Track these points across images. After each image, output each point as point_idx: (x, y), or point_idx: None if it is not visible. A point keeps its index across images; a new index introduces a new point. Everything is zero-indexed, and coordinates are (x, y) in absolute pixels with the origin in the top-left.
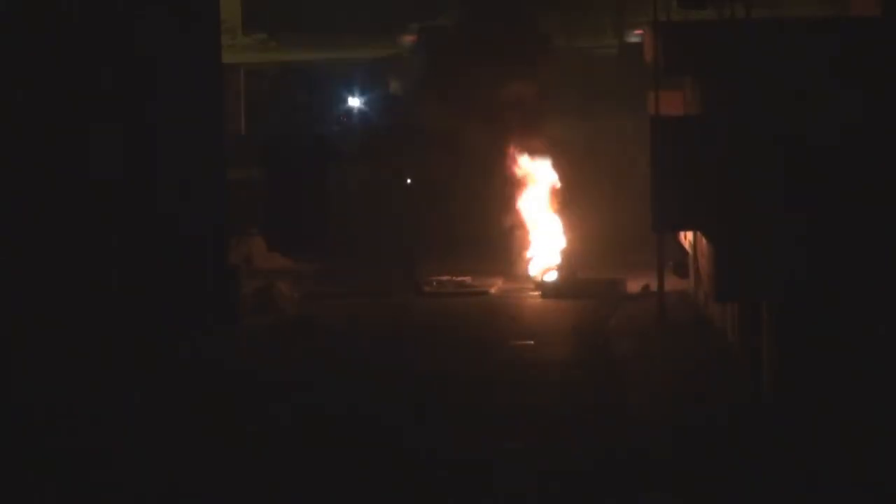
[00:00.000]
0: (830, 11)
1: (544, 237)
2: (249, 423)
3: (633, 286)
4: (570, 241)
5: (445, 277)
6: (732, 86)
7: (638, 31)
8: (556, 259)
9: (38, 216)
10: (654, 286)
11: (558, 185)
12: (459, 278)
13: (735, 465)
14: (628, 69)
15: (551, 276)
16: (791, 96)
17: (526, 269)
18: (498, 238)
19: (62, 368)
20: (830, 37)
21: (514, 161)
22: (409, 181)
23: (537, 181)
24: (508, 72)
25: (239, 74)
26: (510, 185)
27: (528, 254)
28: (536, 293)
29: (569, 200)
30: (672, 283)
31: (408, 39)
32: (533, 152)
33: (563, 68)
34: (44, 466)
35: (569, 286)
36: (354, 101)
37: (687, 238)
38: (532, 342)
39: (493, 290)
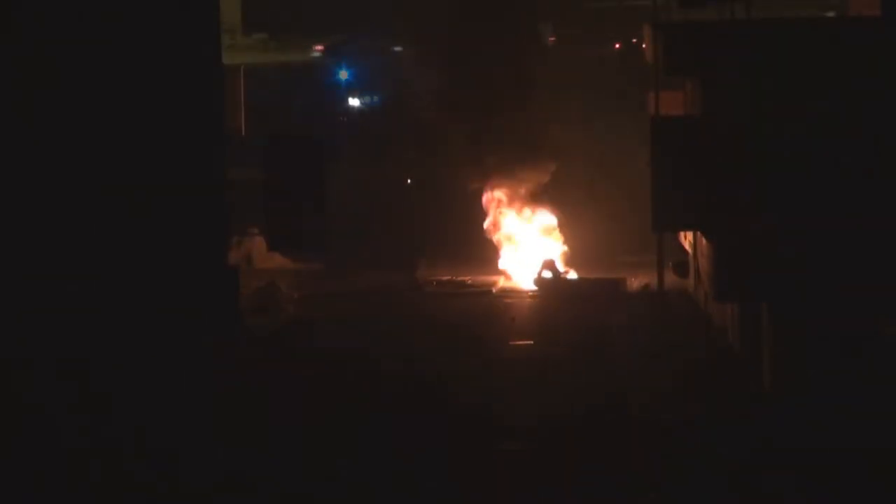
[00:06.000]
0: (830, 11)
1: (542, 239)
2: (250, 423)
3: (634, 286)
4: (568, 242)
5: (446, 277)
6: (732, 86)
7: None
8: (554, 259)
9: (38, 216)
10: (653, 286)
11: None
12: (460, 278)
13: (735, 463)
14: (628, 69)
15: (548, 276)
16: (791, 96)
17: (525, 270)
18: (493, 239)
19: (63, 368)
20: (830, 37)
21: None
22: (409, 181)
23: (530, 184)
24: (506, 73)
25: (239, 74)
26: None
27: (527, 255)
28: (536, 292)
29: (566, 201)
30: (672, 282)
31: (317, 49)
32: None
33: (563, 69)
34: (44, 466)
35: (569, 286)
36: (354, 101)
37: (687, 238)
38: (532, 342)
39: (493, 290)
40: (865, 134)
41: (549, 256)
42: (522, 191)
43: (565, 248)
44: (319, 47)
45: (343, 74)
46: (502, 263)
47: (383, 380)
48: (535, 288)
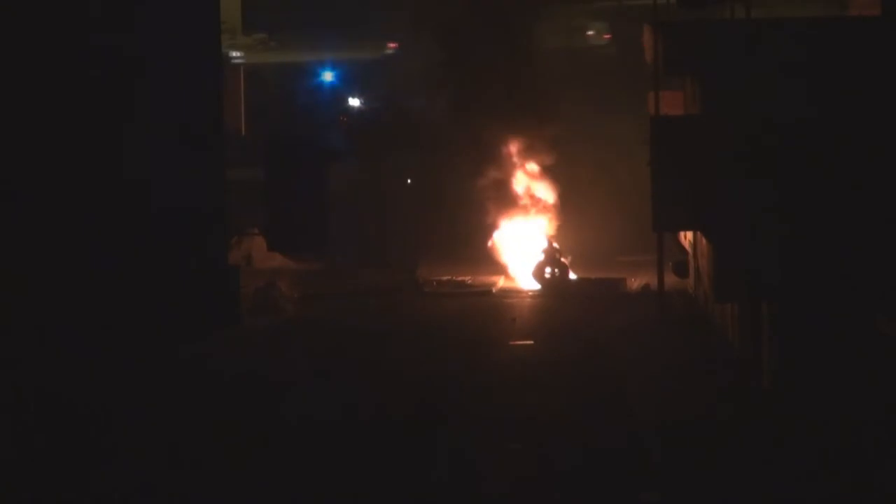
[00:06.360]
0: (830, 11)
1: (540, 238)
2: (249, 425)
3: (634, 286)
4: (567, 240)
5: (446, 277)
6: (732, 86)
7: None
8: (553, 246)
9: (37, 216)
10: (653, 285)
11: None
12: (460, 278)
13: (735, 463)
14: (628, 69)
15: (547, 273)
16: (791, 96)
17: (525, 270)
18: (490, 238)
19: (62, 369)
20: (830, 37)
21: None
22: (409, 181)
23: (530, 183)
24: (506, 72)
25: (239, 74)
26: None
27: (526, 255)
28: (536, 291)
29: (565, 201)
30: (672, 282)
31: (391, 46)
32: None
33: (562, 69)
34: (43, 467)
35: (569, 286)
36: (354, 101)
37: (687, 238)
38: (532, 342)
39: (493, 290)
40: (865, 134)
41: (547, 247)
42: (521, 184)
43: (555, 234)
44: (393, 44)
45: (327, 76)
46: (501, 260)
47: (381, 379)
48: (536, 285)
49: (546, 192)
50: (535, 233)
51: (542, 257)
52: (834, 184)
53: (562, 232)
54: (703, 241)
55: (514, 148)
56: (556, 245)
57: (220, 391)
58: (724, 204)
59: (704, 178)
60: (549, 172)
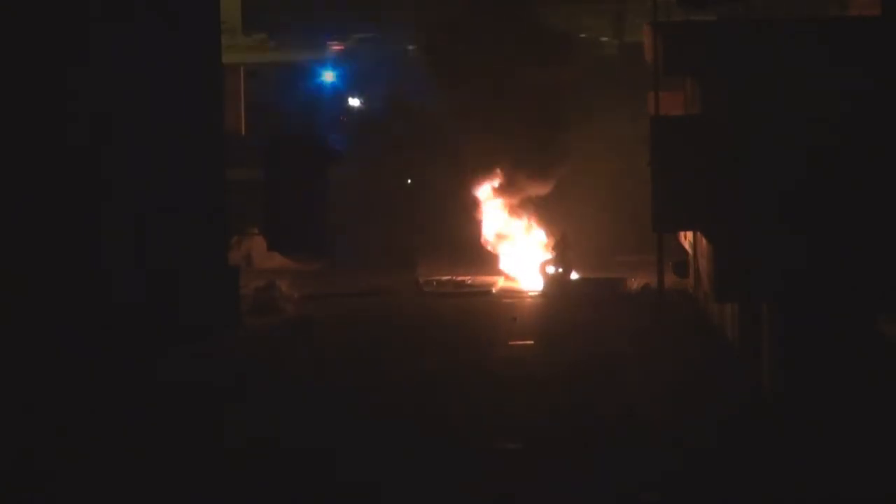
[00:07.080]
0: (830, 11)
1: (537, 238)
2: (248, 425)
3: (634, 286)
4: (560, 238)
5: (446, 277)
6: (732, 86)
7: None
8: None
9: (37, 216)
10: (654, 285)
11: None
12: (460, 278)
13: (735, 463)
14: (628, 69)
15: (550, 271)
16: (791, 96)
17: (524, 270)
18: (486, 239)
19: (60, 369)
20: (830, 37)
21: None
22: (409, 181)
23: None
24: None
25: (239, 74)
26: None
27: (525, 255)
28: (536, 291)
29: (563, 200)
30: (672, 282)
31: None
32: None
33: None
34: (39, 468)
35: (569, 286)
36: (354, 101)
37: (687, 238)
38: (531, 342)
39: (493, 290)
40: (865, 134)
41: (559, 241)
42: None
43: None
44: (338, 46)
45: (328, 76)
46: (502, 264)
47: (381, 380)
48: (536, 286)
49: (542, 195)
50: (538, 233)
51: (552, 252)
52: (834, 184)
53: (559, 242)
54: (703, 241)
55: (513, 147)
56: (568, 236)
57: (219, 391)
58: (724, 204)
59: (704, 178)
60: (548, 173)
